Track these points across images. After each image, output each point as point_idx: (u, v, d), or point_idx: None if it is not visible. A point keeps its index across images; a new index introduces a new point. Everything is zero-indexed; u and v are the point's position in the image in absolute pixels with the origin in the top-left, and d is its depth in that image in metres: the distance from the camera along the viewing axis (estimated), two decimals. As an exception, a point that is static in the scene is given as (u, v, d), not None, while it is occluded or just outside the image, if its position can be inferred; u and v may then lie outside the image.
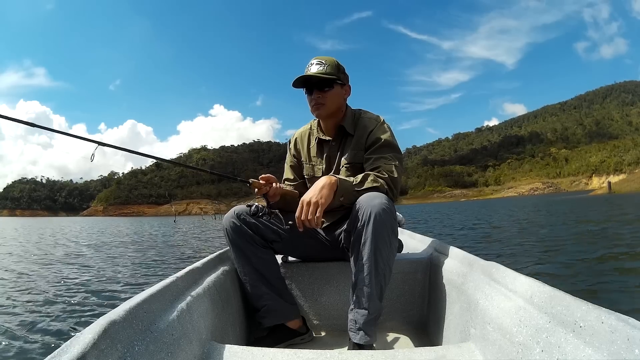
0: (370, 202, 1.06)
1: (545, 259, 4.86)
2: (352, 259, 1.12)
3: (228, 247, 1.34)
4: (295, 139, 1.52)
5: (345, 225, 1.26)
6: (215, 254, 1.34)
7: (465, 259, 1.18)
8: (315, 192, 1.09)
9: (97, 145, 1.13)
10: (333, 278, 1.45)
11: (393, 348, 1.26)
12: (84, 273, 5.23)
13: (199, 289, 1.01)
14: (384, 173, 1.20)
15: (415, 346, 1.27)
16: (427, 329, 1.39)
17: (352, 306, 1.12)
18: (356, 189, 1.15)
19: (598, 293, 3.05)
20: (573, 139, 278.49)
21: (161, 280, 0.91)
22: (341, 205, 1.18)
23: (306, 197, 1.10)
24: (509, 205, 37.67)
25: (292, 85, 1.31)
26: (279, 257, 1.50)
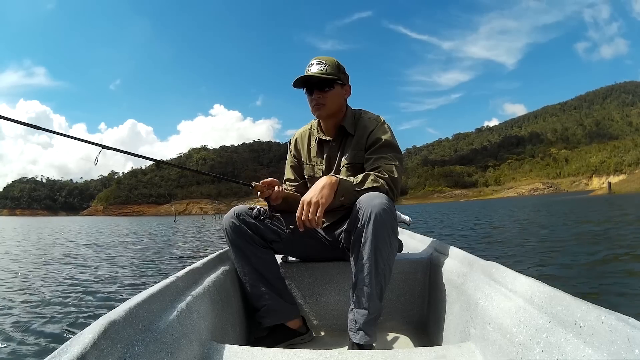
0: (370, 202, 1.06)
1: (546, 260, 4.82)
2: (352, 259, 1.12)
3: (228, 247, 1.35)
4: (296, 139, 1.52)
5: (345, 225, 1.26)
6: (215, 254, 1.34)
7: (465, 259, 1.18)
8: (316, 192, 1.09)
9: (100, 148, 1.12)
10: (333, 278, 1.45)
11: (393, 348, 1.26)
12: (83, 273, 5.23)
13: (199, 289, 1.01)
14: (384, 173, 1.20)
15: (415, 346, 1.27)
16: (427, 329, 1.39)
17: (352, 306, 1.12)
18: (356, 189, 1.15)
19: (602, 296, 2.99)
20: (573, 139, 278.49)
21: (161, 280, 0.91)
22: (341, 205, 1.19)
23: (306, 197, 1.10)
24: (509, 205, 37.66)
25: (292, 85, 1.31)
26: (279, 257, 1.50)
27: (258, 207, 1.24)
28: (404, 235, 2.30)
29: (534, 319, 0.72)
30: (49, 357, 0.51)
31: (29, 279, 4.82)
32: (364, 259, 1.06)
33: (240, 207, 1.31)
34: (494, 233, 9.24)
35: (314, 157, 1.45)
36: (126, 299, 0.74)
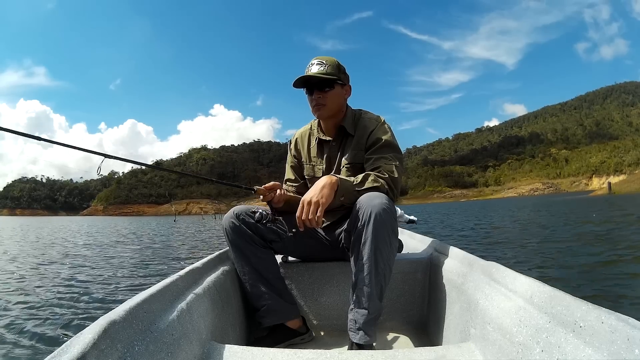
0: (370, 202, 1.06)
1: (547, 261, 4.78)
2: (352, 259, 1.12)
3: (228, 247, 1.35)
4: (296, 139, 1.52)
5: (345, 225, 1.26)
6: (215, 254, 1.34)
7: (465, 259, 1.18)
8: (316, 191, 1.09)
9: (103, 157, 1.13)
10: (333, 278, 1.45)
11: (393, 348, 1.26)
12: (83, 273, 5.23)
13: (199, 289, 1.01)
14: (385, 173, 1.20)
15: (415, 346, 1.27)
16: (427, 329, 1.39)
17: (352, 306, 1.12)
18: (357, 188, 1.15)
19: (605, 298, 2.93)
20: (573, 139, 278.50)
21: (161, 280, 0.91)
22: (341, 205, 1.19)
23: (307, 196, 1.10)
24: (509, 205, 37.66)
25: (292, 85, 1.31)
26: (279, 257, 1.50)
27: (260, 210, 1.25)
28: (404, 235, 2.30)
29: (534, 319, 0.72)
30: (49, 357, 0.51)
31: (28, 279, 4.81)
32: (364, 258, 1.06)
33: (240, 207, 1.31)
34: (494, 233, 9.24)
35: (314, 157, 1.45)
36: (126, 299, 0.74)
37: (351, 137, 1.36)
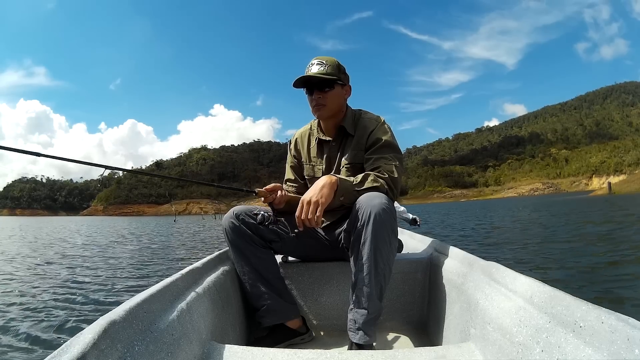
0: (370, 202, 1.06)
1: (549, 262, 4.73)
2: (352, 259, 1.12)
3: (228, 247, 1.35)
4: (296, 139, 1.52)
5: (345, 225, 1.26)
6: (215, 254, 1.34)
7: (465, 259, 1.18)
8: (316, 191, 1.09)
9: (104, 169, 1.14)
10: (333, 278, 1.45)
11: (393, 348, 1.26)
12: (83, 273, 5.23)
13: (199, 289, 1.01)
14: (384, 173, 1.20)
15: (415, 346, 1.27)
16: (427, 329, 1.39)
17: (351, 306, 1.12)
18: (356, 188, 1.15)
19: (611, 300, 2.86)
20: (573, 139, 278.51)
21: (161, 280, 0.91)
22: (341, 205, 1.19)
23: (306, 196, 1.10)
24: (510, 205, 37.64)
25: (292, 85, 1.31)
26: (278, 257, 1.50)
27: (262, 212, 1.25)
28: (404, 235, 2.30)
29: (534, 319, 0.72)
30: (49, 357, 0.51)
31: (27, 280, 4.81)
32: (364, 258, 1.06)
33: (240, 208, 1.31)
34: (495, 233, 9.24)
35: (314, 157, 1.45)
36: (126, 299, 0.74)
37: (351, 137, 1.36)
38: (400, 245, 1.59)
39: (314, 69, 1.28)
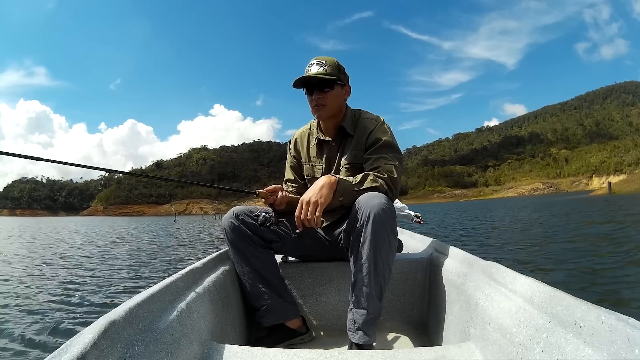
0: (369, 202, 1.06)
1: (549, 263, 4.68)
2: (351, 259, 1.12)
3: (228, 247, 1.35)
4: (295, 139, 1.52)
5: (344, 225, 1.26)
6: (215, 254, 1.34)
7: (465, 259, 1.18)
8: (315, 191, 1.09)
9: (105, 172, 1.14)
10: (333, 278, 1.45)
11: (393, 348, 1.26)
12: (83, 273, 5.23)
13: (199, 289, 1.01)
14: (384, 173, 1.20)
15: (415, 346, 1.27)
16: (427, 329, 1.39)
17: (351, 306, 1.12)
18: (355, 188, 1.15)
19: (614, 303, 2.80)
20: (573, 139, 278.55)
21: (161, 280, 0.91)
22: (341, 205, 1.19)
23: (305, 196, 1.10)
24: (510, 205, 37.63)
25: (292, 85, 1.31)
26: (278, 257, 1.50)
27: (263, 213, 1.25)
28: (404, 235, 2.30)
29: (534, 319, 0.72)
30: (49, 357, 0.51)
31: (26, 280, 4.81)
32: (363, 258, 1.06)
33: (240, 208, 1.31)
34: (495, 233, 9.23)
35: (314, 157, 1.45)
36: (126, 300, 0.74)
37: (351, 137, 1.36)
38: (400, 245, 1.59)
39: (314, 69, 1.28)
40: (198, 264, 1.15)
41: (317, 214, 1.06)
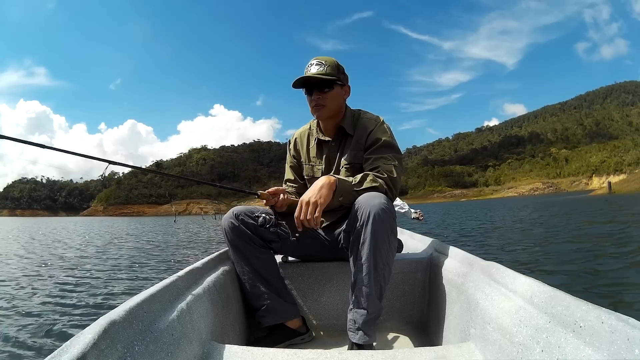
0: (369, 202, 1.06)
1: (550, 263, 4.65)
2: (351, 259, 1.12)
3: (228, 247, 1.35)
4: (295, 139, 1.52)
5: (344, 225, 1.26)
6: (215, 254, 1.34)
7: (465, 259, 1.18)
8: (314, 192, 1.09)
9: (107, 164, 1.14)
10: (333, 278, 1.45)
11: (393, 348, 1.26)
12: (83, 273, 5.23)
13: (199, 289, 1.01)
14: (383, 173, 1.20)
15: (415, 346, 1.27)
16: (427, 329, 1.39)
17: (351, 306, 1.12)
18: (355, 188, 1.15)
19: (617, 305, 2.74)
20: (573, 139, 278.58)
21: (161, 280, 0.91)
22: (341, 205, 1.18)
23: (305, 197, 1.10)
24: (510, 205, 37.62)
25: (292, 86, 1.31)
26: (278, 257, 1.50)
27: (264, 214, 1.25)
28: (404, 235, 2.30)
29: (534, 319, 0.72)
30: (49, 357, 0.51)
31: (26, 281, 4.81)
32: (363, 259, 1.06)
33: (240, 208, 1.31)
34: (495, 233, 9.23)
35: (313, 157, 1.45)
36: (126, 300, 0.74)
37: (350, 137, 1.36)
38: (400, 245, 1.59)
39: (313, 69, 1.28)
40: (198, 264, 1.15)
41: (316, 215, 1.06)
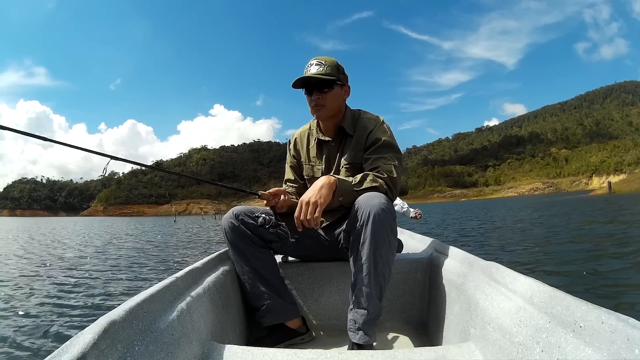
0: (369, 202, 1.06)
1: (550, 264, 4.62)
2: (351, 259, 1.12)
3: (228, 247, 1.35)
4: (295, 139, 1.52)
5: (344, 225, 1.26)
6: (215, 254, 1.34)
7: (465, 259, 1.18)
8: (314, 192, 1.09)
9: (109, 159, 1.14)
10: (333, 278, 1.45)
11: (393, 348, 1.26)
12: (83, 273, 5.23)
13: (199, 289, 1.01)
14: (383, 173, 1.20)
15: (415, 346, 1.27)
16: (427, 329, 1.39)
17: (351, 306, 1.12)
18: (355, 188, 1.15)
19: (619, 307, 2.70)
20: (573, 139, 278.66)
21: (161, 280, 0.91)
22: (341, 205, 1.18)
23: (305, 197, 1.10)
24: (510, 205, 37.62)
25: (291, 86, 1.31)
26: (278, 257, 1.50)
27: (264, 215, 1.25)
28: (404, 235, 2.30)
29: (534, 319, 0.72)
30: (49, 357, 0.51)
31: (29, 280, 4.81)
32: (363, 259, 1.06)
33: (240, 208, 1.31)
34: (495, 233, 9.23)
35: (313, 157, 1.45)
36: (126, 300, 0.74)
37: (350, 137, 1.36)
38: (400, 245, 1.59)
39: (313, 69, 1.28)
40: (198, 264, 1.15)
41: (316, 215, 1.06)
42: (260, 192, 1.28)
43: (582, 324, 0.60)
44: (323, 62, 1.29)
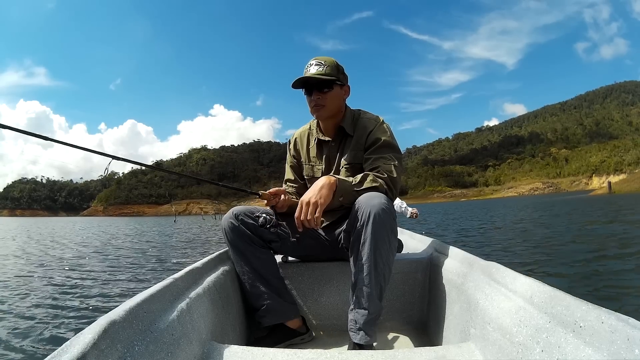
0: (369, 202, 1.06)
1: (551, 264, 4.59)
2: (351, 259, 1.12)
3: (227, 247, 1.35)
4: (295, 139, 1.52)
5: (344, 225, 1.26)
6: (215, 254, 1.34)
7: (465, 259, 1.18)
8: (315, 192, 1.09)
9: (110, 159, 1.13)
10: (333, 278, 1.45)
11: (393, 348, 1.26)
12: (83, 273, 5.23)
13: (199, 289, 1.01)
14: (383, 173, 1.20)
15: (415, 346, 1.27)
16: (427, 329, 1.39)
17: (352, 306, 1.12)
18: (355, 188, 1.15)
19: (620, 309, 2.70)
20: (573, 139, 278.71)
21: (161, 280, 0.91)
22: (341, 205, 1.19)
23: (305, 197, 1.10)
24: (510, 205, 37.61)
25: (291, 86, 1.31)
26: (278, 257, 1.50)
27: (264, 215, 1.25)
28: (404, 235, 2.30)
29: (534, 319, 0.72)
30: (49, 357, 0.51)
31: (29, 280, 4.81)
32: (363, 259, 1.06)
33: (240, 208, 1.31)
34: (495, 233, 9.23)
35: (313, 157, 1.45)
36: (126, 300, 0.74)
37: (350, 137, 1.36)
38: (400, 245, 1.59)
39: (313, 69, 1.28)
40: (198, 264, 1.15)
41: (317, 215, 1.06)
42: (260, 192, 1.28)
43: (582, 324, 0.60)
44: (323, 62, 1.28)
